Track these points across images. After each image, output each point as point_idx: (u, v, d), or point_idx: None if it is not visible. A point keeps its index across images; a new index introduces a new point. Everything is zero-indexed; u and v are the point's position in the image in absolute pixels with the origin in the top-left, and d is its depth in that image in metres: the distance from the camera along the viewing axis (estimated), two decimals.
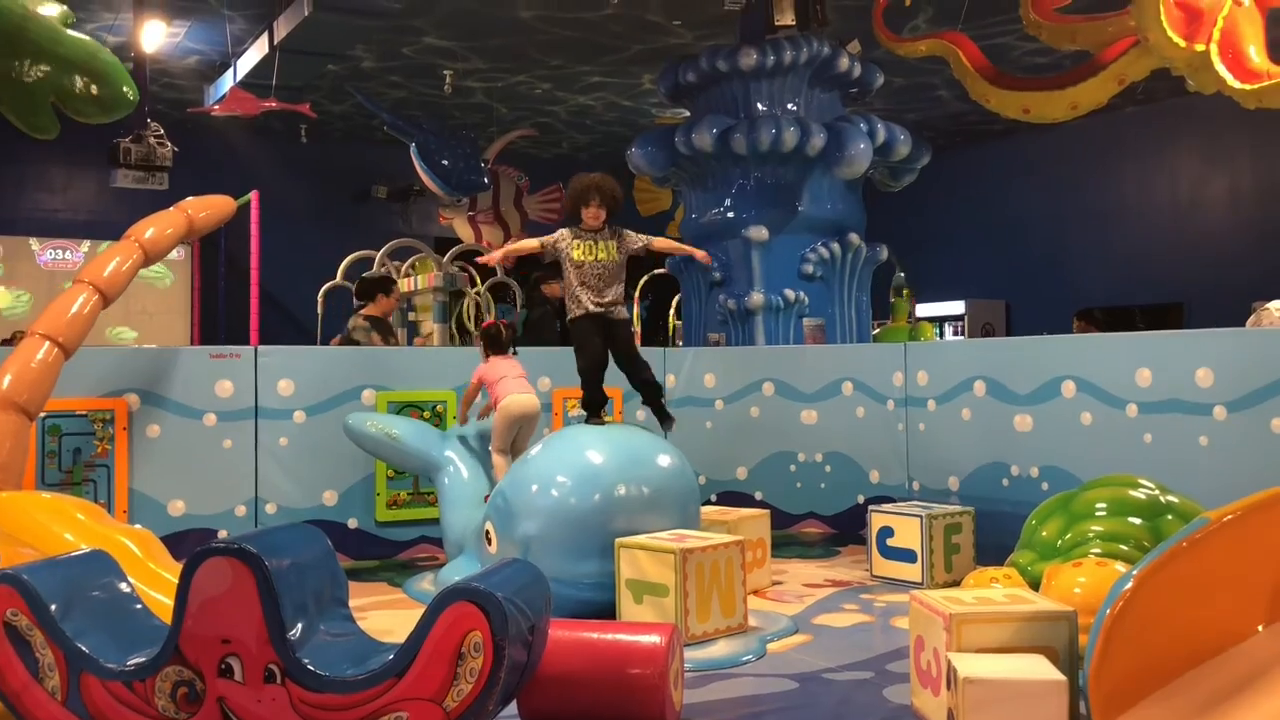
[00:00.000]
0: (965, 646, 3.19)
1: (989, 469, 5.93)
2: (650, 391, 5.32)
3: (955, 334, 15.23)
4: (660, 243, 5.52)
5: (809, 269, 8.39)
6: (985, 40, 10.16)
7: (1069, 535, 4.33)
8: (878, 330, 10.79)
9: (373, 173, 16.44)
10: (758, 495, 6.84)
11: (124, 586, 3.14)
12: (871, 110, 10.11)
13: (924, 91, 13.57)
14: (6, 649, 2.85)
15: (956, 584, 4.94)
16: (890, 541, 5.52)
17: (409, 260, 12.64)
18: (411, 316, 12.50)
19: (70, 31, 2.39)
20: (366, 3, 9.44)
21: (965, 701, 2.93)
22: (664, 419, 5.33)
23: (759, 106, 8.53)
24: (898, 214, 12.71)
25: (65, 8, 2.37)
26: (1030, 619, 3.27)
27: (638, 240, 5.26)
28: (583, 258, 5.13)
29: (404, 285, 12.11)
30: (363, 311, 8.38)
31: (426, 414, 6.18)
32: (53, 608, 2.84)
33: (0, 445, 4.32)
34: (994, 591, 3.66)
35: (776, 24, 8.65)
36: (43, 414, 4.86)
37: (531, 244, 5.40)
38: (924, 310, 14.09)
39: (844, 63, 8.69)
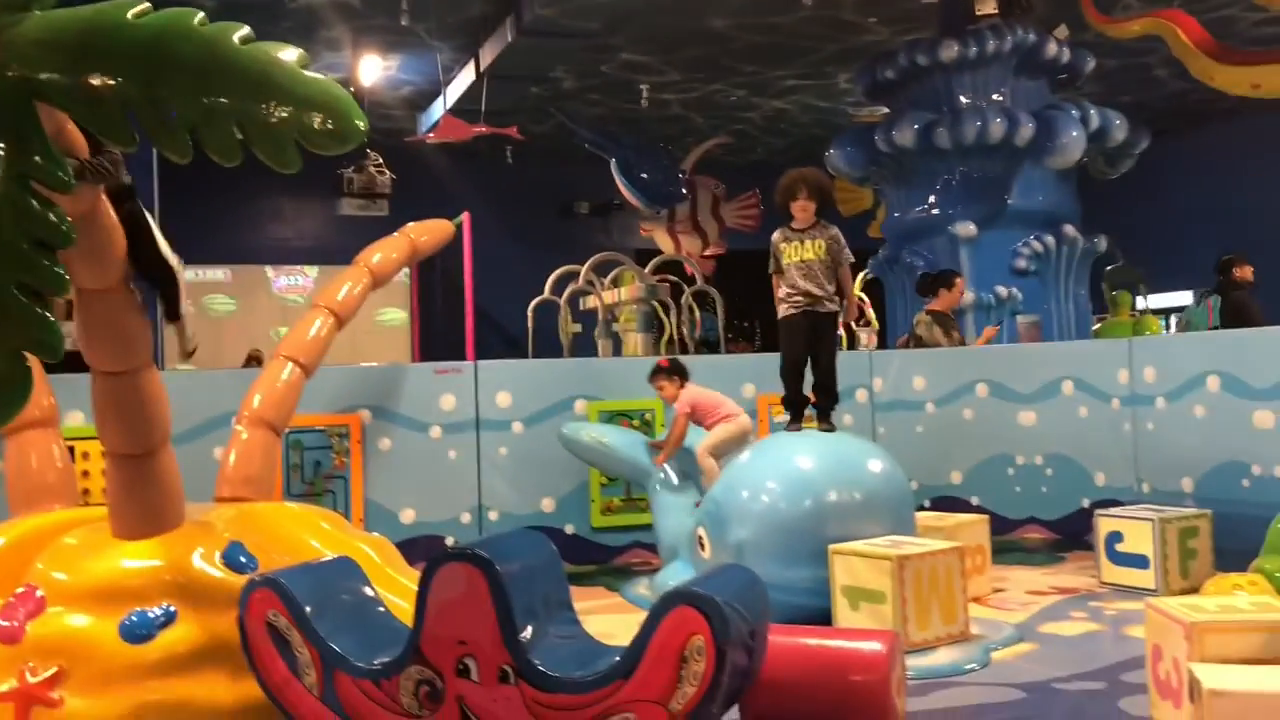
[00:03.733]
0: (1208, 657, 3.02)
1: (1226, 469, 5.57)
2: (827, 400, 5.15)
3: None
4: (846, 281, 5.18)
5: (1021, 264, 8.12)
6: (1205, 14, 9.53)
7: None
8: (1098, 325, 10.29)
9: (575, 189, 16.94)
10: (974, 500, 6.63)
11: (368, 590, 3.34)
12: (1083, 96, 9.67)
13: (1139, 73, 12.86)
14: (268, 646, 3.10)
15: (1193, 591, 4.66)
16: (1120, 547, 5.25)
17: (611, 273, 12.94)
18: (615, 327, 12.79)
19: (308, 72, 2.60)
20: (566, 25, 9.75)
21: (1211, 715, 2.77)
22: (823, 427, 5.12)
23: (963, 99, 8.31)
24: (1118, 203, 12.09)
25: (303, 52, 2.58)
26: None
27: (844, 255, 5.07)
28: (789, 260, 5.06)
29: (607, 297, 12.41)
30: (926, 307, 7.75)
31: (636, 422, 6.31)
32: (307, 609, 3.05)
33: (253, 460, 4.67)
34: (1238, 599, 3.44)
35: (979, 13, 8.41)
36: (287, 430, 5.24)
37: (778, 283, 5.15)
38: (1150, 302, 13.32)
39: (1051, 49, 8.38)
